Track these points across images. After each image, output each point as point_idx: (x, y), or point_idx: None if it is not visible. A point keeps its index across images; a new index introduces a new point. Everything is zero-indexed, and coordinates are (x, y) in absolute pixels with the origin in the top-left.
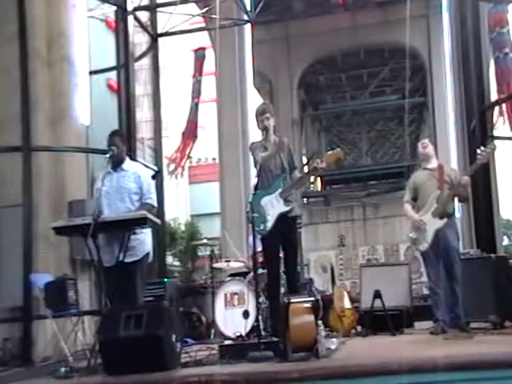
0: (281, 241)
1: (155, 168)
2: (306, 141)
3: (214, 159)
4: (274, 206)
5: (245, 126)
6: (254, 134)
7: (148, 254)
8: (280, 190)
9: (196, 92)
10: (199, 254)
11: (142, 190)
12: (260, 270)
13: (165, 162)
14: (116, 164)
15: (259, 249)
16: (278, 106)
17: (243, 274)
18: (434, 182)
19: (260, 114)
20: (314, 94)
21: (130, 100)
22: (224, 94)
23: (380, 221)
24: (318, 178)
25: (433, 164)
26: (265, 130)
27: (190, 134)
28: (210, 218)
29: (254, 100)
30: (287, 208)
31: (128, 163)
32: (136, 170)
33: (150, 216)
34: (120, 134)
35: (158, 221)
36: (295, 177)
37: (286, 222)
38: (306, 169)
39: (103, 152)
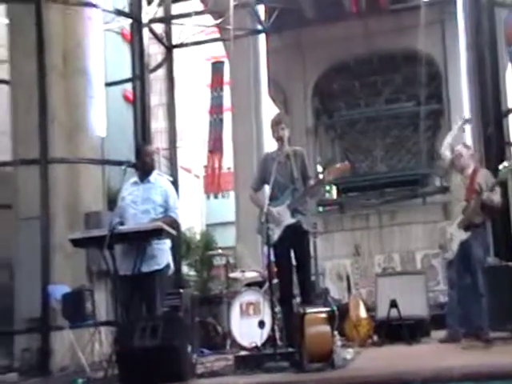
0: (290, 250)
1: (170, 178)
2: (320, 149)
3: (228, 168)
4: (281, 219)
5: (259, 136)
6: (269, 144)
7: (169, 264)
8: (288, 202)
9: (217, 107)
10: (215, 263)
11: (168, 204)
12: (275, 280)
13: (189, 177)
14: (143, 175)
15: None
16: (293, 114)
17: (259, 284)
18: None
19: (275, 124)
20: (328, 101)
21: (145, 111)
22: (238, 103)
23: (396, 228)
24: (334, 186)
25: (468, 171)
26: (279, 140)
27: (216, 149)
28: (225, 228)
29: (269, 109)
30: (293, 220)
31: (155, 176)
32: (162, 184)
33: (165, 227)
34: (150, 146)
35: (174, 232)
36: (307, 187)
37: (295, 233)
38: (312, 181)
39: (119, 163)
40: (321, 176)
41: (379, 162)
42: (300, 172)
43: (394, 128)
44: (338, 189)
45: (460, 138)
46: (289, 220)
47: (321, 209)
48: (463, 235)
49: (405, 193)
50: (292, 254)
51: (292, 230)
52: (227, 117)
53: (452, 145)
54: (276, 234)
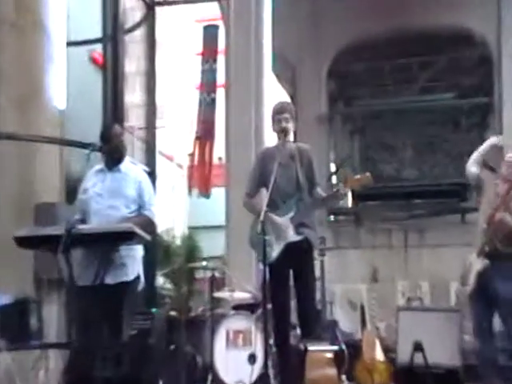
0: (289, 272)
1: (146, 168)
2: (334, 144)
3: (219, 159)
4: (282, 233)
5: (259, 121)
6: (271, 132)
7: (140, 275)
8: (291, 214)
9: (209, 84)
10: (197, 276)
11: (142, 200)
12: (270, 305)
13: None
14: (112, 163)
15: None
16: (302, 98)
17: (250, 308)
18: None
19: (277, 112)
20: (347, 86)
21: (118, 79)
22: (235, 79)
23: (425, 250)
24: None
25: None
26: (281, 133)
27: (206, 135)
28: (213, 232)
29: (273, 89)
30: (298, 238)
31: (127, 164)
32: (136, 174)
33: (138, 229)
34: (121, 124)
35: (149, 236)
36: (315, 197)
37: (297, 252)
38: (320, 192)
39: (83, 145)
40: (337, 188)
41: (408, 165)
42: (306, 177)
43: (429, 124)
44: (353, 195)
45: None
46: (292, 237)
47: (332, 218)
48: (479, 264)
49: (439, 206)
50: (291, 275)
51: (295, 249)
52: (220, 95)
53: (479, 161)
54: (275, 251)
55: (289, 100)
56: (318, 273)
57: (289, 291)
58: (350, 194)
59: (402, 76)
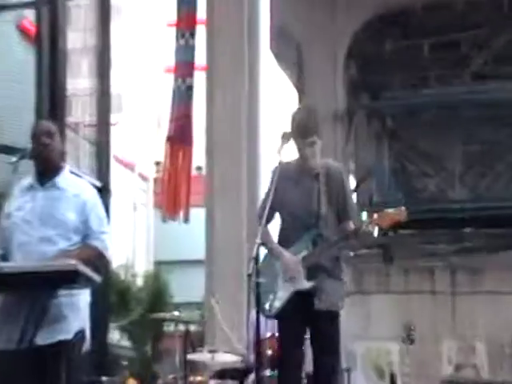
0: (303, 328)
1: (96, 183)
2: (355, 149)
3: (198, 169)
4: (291, 276)
5: (253, 118)
6: (268, 132)
7: (83, 330)
8: (304, 253)
9: (185, 66)
10: (166, 330)
11: (88, 226)
12: (268, 371)
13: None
14: (45, 175)
15: (268, 333)
16: (311, 87)
17: (239, 375)
18: None
19: (303, 134)
20: (372, 72)
21: (57, 58)
22: (220, 60)
23: (482, 298)
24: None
25: None
26: (302, 158)
27: (181, 137)
28: (188, 269)
29: (270, 74)
30: (307, 285)
31: (67, 177)
32: (81, 192)
33: (82, 269)
34: (54, 126)
35: (98, 277)
36: (338, 238)
37: (307, 304)
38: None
39: (7, 150)
40: (364, 226)
41: (458, 181)
42: (334, 206)
43: (487, 125)
44: None
45: None
46: (301, 283)
47: (352, 253)
48: None
49: (499, 239)
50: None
51: (304, 301)
52: (200, 81)
53: None
54: (279, 300)
55: (293, 90)
56: None
57: (302, 354)
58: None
59: (448, 58)
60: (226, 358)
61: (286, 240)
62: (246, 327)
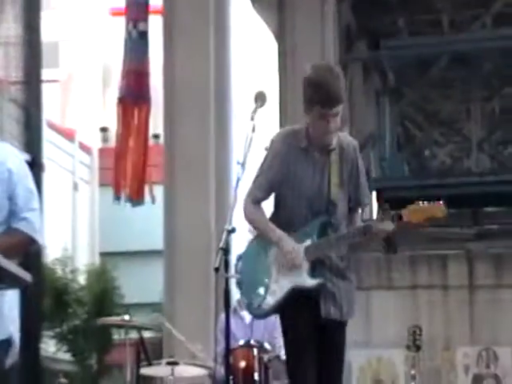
0: (310, 332)
1: (24, 155)
2: (349, 111)
3: (155, 138)
4: (288, 269)
5: (223, 73)
6: (242, 94)
7: (9, 340)
8: (309, 242)
9: (138, 8)
10: (116, 338)
11: (14, 202)
12: None
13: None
14: None
15: (241, 341)
16: (295, 34)
17: None
18: None
19: (332, 102)
20: (371, 15)
21: None
22: (180, 1)
23: (508, 293)
24: (374, 193)
25: None
26: (326, 135)
27: (136, 96)
28: (142, 262)
29: (244, 18)
30: (310, 283)
31: None
32: (4, 158)
33: (4, 265)
34: None
35: (28, 276)
36: (353, 231)
37: (308, 305)
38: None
39: None
40: (385, 225)
41: (476, 149)
42: (345, 189)
43: (511, 78)
44: (379, 196)
45: None
46: (303, 278)
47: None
48: None
49: None
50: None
51: (307, 304)
52: (156, 26)
53: None
54: (272, 295)
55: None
56: None
57: (312, 364)
58: (374, 196)
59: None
60: (189, 372)
61: (287, 224)
62: (214, 331)
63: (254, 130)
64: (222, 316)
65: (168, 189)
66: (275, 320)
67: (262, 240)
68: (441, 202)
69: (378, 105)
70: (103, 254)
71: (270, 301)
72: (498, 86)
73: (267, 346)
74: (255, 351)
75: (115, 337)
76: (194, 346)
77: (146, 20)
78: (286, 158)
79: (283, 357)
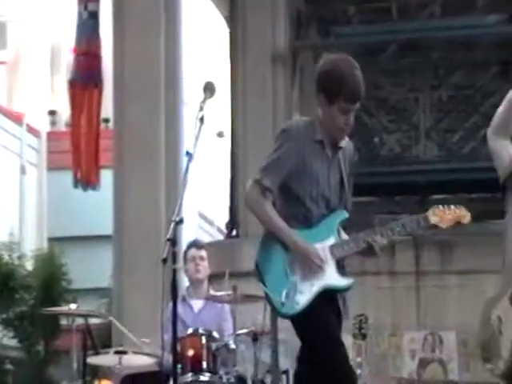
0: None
1: None
2: (300, 98)
3: (105, 122)
4: (315, 270)
5: (174, 57)
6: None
7: None
8: (332, 240)
9: None
10: (63, 324)
11: None
12: (189, 376)
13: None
14: None
15: (189, 330)
16: (246, 21)
17: (153, 381)
18: None
19: (355, 99)
20: (322, 2)
21: None
22: None
23: (453, 279)
24: None
25: None
26: (343, 132)
27: (88, 78)
28: (91, 247)
29: (195, 2)
30: (343, 283)
31: None
32: None
33: None
34: None
35: None
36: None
37: (337, 305)
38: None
39: None
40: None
41: (424, 136)
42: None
43: (460, 68)
44: None
45: None
46: (334, 278)
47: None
48: None
49: (476, 207)
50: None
51: (334, 300)
52: (106, 8)
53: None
54: (301, 294)
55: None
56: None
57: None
58: None
59: None
60: (138, 361)
61: (298, 219)
62: (161, 318)
63: (202, 120)
64: (170, 304)
65: (118, 173)
66: (223, 308)
67: (274, 238)
68: (463, 209)
69: None
70: (51, 239)
71: (301, 300)
72: (446, 74)
73: (215, 334)
74: (203, 339)
75: (63, 322)
76: (141, 341)
77: (97, 0)
78: (303, 149)
79: (231, 345)
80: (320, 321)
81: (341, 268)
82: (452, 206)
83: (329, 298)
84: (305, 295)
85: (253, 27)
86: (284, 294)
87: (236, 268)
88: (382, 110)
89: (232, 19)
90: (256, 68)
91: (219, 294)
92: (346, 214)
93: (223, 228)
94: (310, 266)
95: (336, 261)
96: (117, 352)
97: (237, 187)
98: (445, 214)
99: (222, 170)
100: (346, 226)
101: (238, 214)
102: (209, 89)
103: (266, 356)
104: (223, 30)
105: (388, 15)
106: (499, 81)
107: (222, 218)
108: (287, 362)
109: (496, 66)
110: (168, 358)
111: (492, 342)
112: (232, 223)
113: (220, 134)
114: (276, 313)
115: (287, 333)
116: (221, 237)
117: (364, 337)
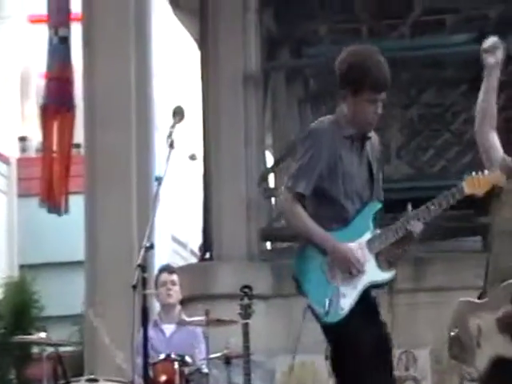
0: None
1: None
2: (272, 119)
3: (77, 147)
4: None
5: (145, 81)
6: (164, 102)
7: None
8: (367, 235)
9: (59, 13)
10: (34, 353)
11: None
12: None
13: None
14: None
15: (162, 355)
16: (218, 42)
17: None
18: None
19: (383, 87)
20: (293, 23)
21: None
22: (99, 7)
23: (426, 296)
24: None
25: None
26: (371, 125)
27: (59, 103)
28: (63, 274)
29: (167, 24)
30: (387, 276)
31: None
32: None
33: None
34: None
35: None
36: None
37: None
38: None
39: None
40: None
41: (395, 155)
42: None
43: (430, 87)
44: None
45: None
46: (375, 273)
47: (268, 245)
48: (495, 337)
49: (446, 224)
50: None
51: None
52: (77, 33)
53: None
54: (344, 298)
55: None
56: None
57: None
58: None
59: (383, 8)
60: None
61: (333, 219)
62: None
63: (172, 145)
64: (141, 331)
65: (89, 199)
66: (195, 332)
67: (310, 246)
68: (496, 170)
69: (300, 112)
70: (22, 266)
71: (345, 305)
72: (416, 93)
73: (188, 359)
74: (176, 365)
75: (34, 351)
76: (117, 354)
77: (67, 26)
78: (332, 147)
79: (204, 370)
80: (354, 340)
81: (380, 261)
82: (486, 171)
83: (366, 301)
84: (348, 298)
85: (224, 49)
86: (327, 302)
87: (210, 291)
88: None
89: (203, 41)
90: (228, 90)
91: (191, 319)
92: (379, 205)
93: (197, 251)
94: (350, 271)
95: (375, 254)
96: (88, 380)
97: (210, 209)
98: (479, 181)
99: (194, 192)
100: (380, 216)
101: (211, 236)
102: (178, 113)
103: (240, 379)
104: (194, 53)
105: (358, 36)
106: (469, 99)
107: (196, 240)
108: None
109: (465, 84)
110: (140, 382)
111: (468, 347)
112: (205, 246)
113: (192, 157)
114: (321, 324)
115: (263, 355)
116: (195, 260)
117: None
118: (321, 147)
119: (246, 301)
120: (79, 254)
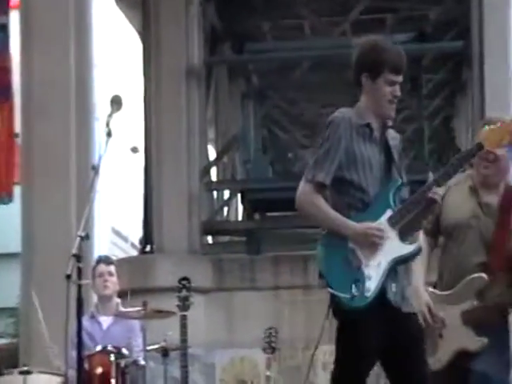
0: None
1: None
2: (215, 113)
3: (15, 136)
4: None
5: (84, 71)
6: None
7: None
8: (389, 212)
9: None
10: None
11: None
12: None
13: None
14: None
15: (98, 347)
16: (160, 36)
17: None
18: (485, 234)
19: (400, 68)
20: (236, 18)
21: None
22: None
23: None
24: (238, 195)
25: (495, 192)
26: (386, 99)
27: (1, 91)
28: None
29: (107, 17)
30: (410, 248)
31: None
32: None
33: None
34: None
35: None
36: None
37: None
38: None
39: None
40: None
41: None
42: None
43: None
44: (245, 202)
45: None
46: (398, 248)
47: (209, 239)
48: (466, 336)
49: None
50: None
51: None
52: (14, 21)
53: None
54: (369, 280)
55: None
56: (178, 335)
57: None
58: (239, 201)
59: (325, 5)
60: (43, 381)
61: (362, 206)
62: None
63: (110, 134)
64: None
65: (26, 189)
66: (133, 324)
67: (332, 237)
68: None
69: (243, 107)
70: None
71: (371, 286)
72: (357, 91)
73: (125, 351)
74: (112, 357)
75: None
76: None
77: (6, 13)
78: (351, 137)
79: (141, 362)
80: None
81: (404, 234)
82: (498, 123)
83: (381, 308)
84: (374, 279)
85: (166, 42)
86: (354, 287)
87: (149, 283)
88: (296, 125)
89: (145, 34)
90: (170, 83)
91: (129, 310)
92: (398, 182)
93: (137, 244)
94: (372, 243)
95: (398, 230)
96: (21, 372)
97: (151, 202)
98: (495, 133)
99: (136, 185)
100: (403, 191)
101: (152, 229)
102: (115, 102)
103: (177, 372)
104: (136, 45)
105: (301, 32)
106: (409, 97)
107: (136, 233)
108: (201, 379)
109: (405, 82)
110: (74, 375)
111: (429, 337)
112: (146, 239)
113: (134, 150)
114: (347, 311)
115: (202, 348)
116: (135, 252)
117: (274, 350)
118: (339, 137)
119: (184, 293)
120: (14, 246)
